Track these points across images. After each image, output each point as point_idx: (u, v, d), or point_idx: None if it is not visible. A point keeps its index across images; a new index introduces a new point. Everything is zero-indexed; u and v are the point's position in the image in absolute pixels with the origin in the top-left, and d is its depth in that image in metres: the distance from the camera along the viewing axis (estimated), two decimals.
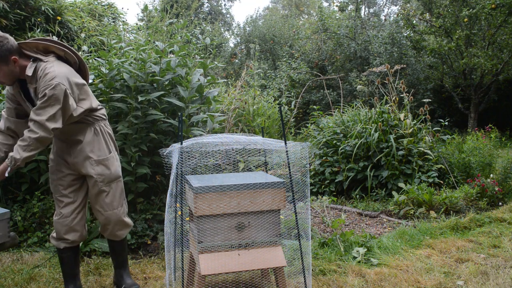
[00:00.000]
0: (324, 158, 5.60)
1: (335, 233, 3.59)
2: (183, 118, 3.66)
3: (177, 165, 2.46)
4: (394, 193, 4.76)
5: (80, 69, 2.65)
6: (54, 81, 2.33)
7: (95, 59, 4.19)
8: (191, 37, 4.99)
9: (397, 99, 5.72)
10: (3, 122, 2.62)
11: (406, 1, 13.03)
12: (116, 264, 2.89)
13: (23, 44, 2.48)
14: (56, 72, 2.36)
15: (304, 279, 2.59)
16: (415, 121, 5.51)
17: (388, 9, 21.35)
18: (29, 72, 2.42)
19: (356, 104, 6.83)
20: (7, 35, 2.43)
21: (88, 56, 4.40)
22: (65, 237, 2.68)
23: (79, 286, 2.77)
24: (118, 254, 2.87)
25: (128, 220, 2.82)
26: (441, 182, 5.04)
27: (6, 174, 2.36)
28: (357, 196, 5.13)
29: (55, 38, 4.26)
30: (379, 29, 11.77)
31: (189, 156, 2.66)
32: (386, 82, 5.81)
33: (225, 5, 24.16)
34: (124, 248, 2.89)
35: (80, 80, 2.52)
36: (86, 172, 2.64)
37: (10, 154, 2.35)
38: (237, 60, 15.37)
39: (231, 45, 17.50)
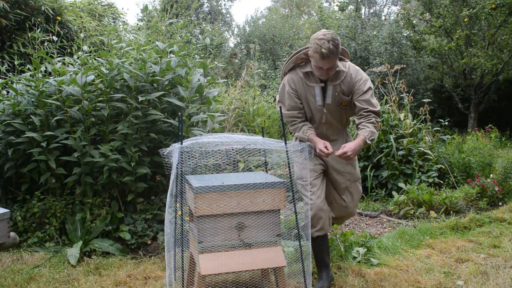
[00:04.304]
0: None
1: (335, 233, 3.58)
2: (183, 118, 3.66)
3: (177, 165, 2.46)
4: (394, 193, 4.76)
5: None
6: (366, 76, 2.78)
7: (95, 59, 4.18)
8: (191, 37, 4.99)
9: (397, 99, 5.72)
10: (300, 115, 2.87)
11: (406, 1, 13.03)
12: None
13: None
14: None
15: (304, 279, 2.59)
16: (415, 121, 5.51)
17: (388, 9, 21.34)
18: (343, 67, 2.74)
19: None
20: None
21: (88, 56, 4.40)
22: None
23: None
24: None
25: None
26: (441, 182, 5.04)
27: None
28: None
29: (55, 38, 4.28)
30: (379, 29, 11.76)
31: (189, 156, 2.66)
32: (386, 82, 5.81)
33: (225, 5, 24.15)
34: None
35: None
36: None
37: (368, 129, 2.66)
38: (237, 60, 15.36)
39: (231, 45, 17.48)
